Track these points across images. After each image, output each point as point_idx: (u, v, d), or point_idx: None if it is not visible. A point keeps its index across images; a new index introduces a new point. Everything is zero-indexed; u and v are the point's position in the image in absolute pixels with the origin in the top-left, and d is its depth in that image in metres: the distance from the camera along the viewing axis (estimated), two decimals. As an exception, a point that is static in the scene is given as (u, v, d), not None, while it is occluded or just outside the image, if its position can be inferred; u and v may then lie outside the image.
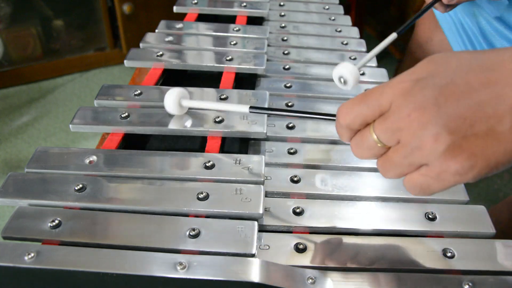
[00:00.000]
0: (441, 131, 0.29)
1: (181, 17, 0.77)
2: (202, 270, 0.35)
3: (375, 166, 0.50)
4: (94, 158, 0.46)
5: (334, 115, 0.38)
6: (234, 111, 0.52)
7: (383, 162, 0.34)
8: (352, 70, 0.48)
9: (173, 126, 0.51)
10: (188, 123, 0.51)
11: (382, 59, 1.78)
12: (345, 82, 0.49)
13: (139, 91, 0.56)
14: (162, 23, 0.73)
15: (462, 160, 0.29)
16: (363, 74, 0.65)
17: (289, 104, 0.57)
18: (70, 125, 0.51)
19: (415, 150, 0.31)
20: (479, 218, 0.44)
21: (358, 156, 0.35)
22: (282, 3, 0.85)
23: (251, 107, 0.45)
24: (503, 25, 0.71)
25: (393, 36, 0.56)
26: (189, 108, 0.52)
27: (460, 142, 0.29)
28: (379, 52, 0.55)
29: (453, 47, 0.79)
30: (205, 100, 0.55)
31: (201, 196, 0.42)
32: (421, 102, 0.30)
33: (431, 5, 0.61)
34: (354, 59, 0.69)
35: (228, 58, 0.64)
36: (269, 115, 0.55)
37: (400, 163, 0.32)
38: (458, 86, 0.30)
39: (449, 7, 0.64)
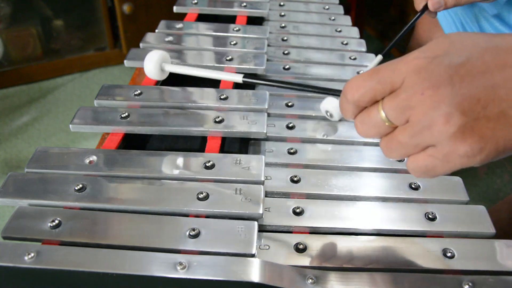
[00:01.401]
0: (454, 111, 0.28)
1: (181, 17, 0.77)
2: (202, 270, 0.35)
3: (375, 166, 0.50)
4: (94, 158, 0.46)
5: (338, 91, 0.37)
6: (227, 79, 0.49)
7: (388, 141, 0.33)
8: (336, 105, 0.52)
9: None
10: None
11: (382, 59, 1.78)
12: (331, 116, 0.54)
13: (139, 91, 0.56)
14: (162, 23, 0.73)
15: (471, 142, 0.29)
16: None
17: (289, 104, 0.57)
18: (70, 125, 0.51)
19: (424, 129, 0.30)
20: (479, 218, 0.44)
21: (362, 134, 0.34)
22: (282, 3, 0.85)
23: (244, 76, 0.42)
24: (503, 24, 0.71)
25: (378, 58, 0.61)
26: (171, 73, 0.51)
27: (471, 124, 0.28)
28: None
29: None
30: (191, 67, 0.50)
31: (201, 196, 0.42)
32: (435, 80, 0.29)
33: (416, 18, 0.62)
34: (354, 59, 0.69)
35: (228, 58, 0.64)
36: (269, 114, 0.56)
37: (407, 143, 0.31)
38: (473, 66, 0.29)
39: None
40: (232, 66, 0.63)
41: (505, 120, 0.29)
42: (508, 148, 0.29)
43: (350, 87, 0.33)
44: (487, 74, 0.29)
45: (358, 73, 0.66)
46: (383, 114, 0.31)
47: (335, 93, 0.38)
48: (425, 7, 0.62)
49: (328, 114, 0.53)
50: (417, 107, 0.29)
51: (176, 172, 0.45)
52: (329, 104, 0.53)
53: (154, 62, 0.44)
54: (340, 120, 0.55)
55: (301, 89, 0.42)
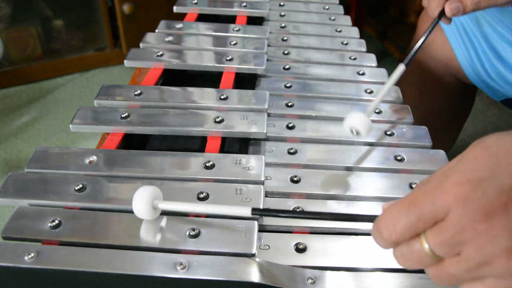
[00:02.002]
0: None
1: (181, 17, 0.77)
2: (202, 270, 0.35)
3: (375, 166, 0.50)
4: (94, 158, 0.46)
5: (369, 218, 0.32)
6: (230, 215, 0.41)
7: (438, 272, 0.29)
8: (363, 121, 0.47)
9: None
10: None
11: (382, 59, 1.78)
12: (357, 133, 0.48)
13: (139, 91, 0.56)
14: (162, 23, 0.73)
15: None
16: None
17: (289, 104, 0.57)
18: (70, 125, 0.51)
19: (481, 265, 0.26)
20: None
21: (403, 266, 0.30)
22: (282, 3, 0.85)
23: (253, 210, 0.37)
24: (505, 28, 0.70)
25: (401, 68, 0.54)
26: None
27: None
28: (388, 89, 0.53)
29: (454, 49, 0.79)
30: (184, 202, 0.42)
31: (201, 196, 0.42)
32: (487, 210, 0.26)
33: (435, 24, 0.58)
34: (354, 59, 0.69)
35: (228, 58, 0.64)
36: (269, 114, 0.56)
37: (461, 276, 0.28)
38: None
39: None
40: (232, 66, 0.63)
41: None
42: None
43: (385, 223, 0.29)
44: None
45: (358, 73, 0.66)
46: (427, 248, 0.28)
47: (364, 220, 0.33)
48: (442, 13, 0.57)
49: (354, 132, 0.48)
50: (469, 242, 0.26)
51: (176, 172, 0.45)
52: (355, 121, 0.48)
53: (146, 200, 0.38)
54: None
55: (319, 218, 0.39)
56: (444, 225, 0.27)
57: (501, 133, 0.28)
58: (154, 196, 0.38)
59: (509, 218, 0.25)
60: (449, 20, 0.59)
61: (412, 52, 0.55)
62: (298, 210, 0.44)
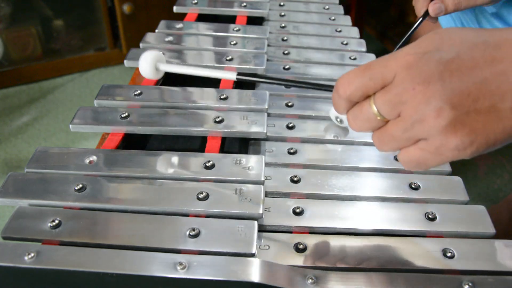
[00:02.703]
0: (444, 106, 0.29)
1: (181, 17, 0.77)
2: (202, 270, 0.35)
3: (375, 166, 0.50)
4: (94, 158, 0.46)
5: (331, 86, 0.38)
6: (221, 77, 0.49)
7: (380, 135, 0.34)
8: None
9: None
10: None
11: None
12: (341, 122, 0.52)
13: (139, 91, 0.56)
14: (162, 23, 0.73)
15: (462, 135, 0.29)
16: None
17: (289, 104, 0.57)
18: (70, 125, 0.51)
19: (415, 124, 0.30)
20: (479, 218, 0.44)
21: (355, 128, 0.35)
22: (282, 3, 0.85)
23: (238, 74, 0.43)
24: (503, 23, 0.71)
25: None
26: (166, 72, 0.51)
27: (462, 117, 0.29)
28: None
29: None
30: (185, 65, 0.51)
31: (201, 196, 0.42)
32: (425, 76, 0.30)
33: (418, 24, 0.63)
34: (354, 59, 0.69)
35: (228, 58, 0.64)
36: (269, 114, 0.56)
37: (399, 136, 0.32)
38: (463, 61, 0.30)
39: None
40: (232, 66, 0.63)
41: (495, 114, 0.29)
42: (499, 141, 0.30)
43: (341, 83, 0.33)
44: (476, 69, 0.30)
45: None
46: (375, 108, 0.32)
47: (328, 88, 0.39)
48: (426, 13, 0.63)
49: (338, 120, 0.52)
50: (408, 102, 0.30)
51: (176, 172, 0.45)
52: None
53: (149, 62, 0.45)
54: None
55: (296, 86, 0.42)
56: (389, 86, 0.31)
57: (451, 28, 0.33)
58: (156, 59, 0.45)
59: (443, 84, 0.29)
60: (435, 19, 0.64)
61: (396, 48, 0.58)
62: (297, 210, 0.44)
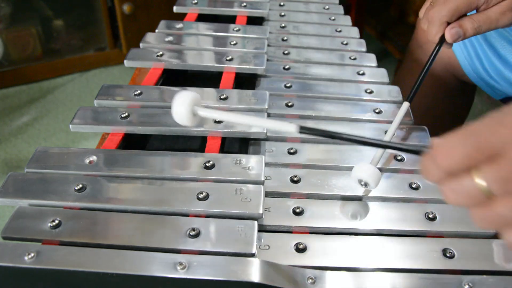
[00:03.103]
0: None
1: (181, 17, 0.77)
2: (202, 270, 0.35)
3: (375, 166, 0.50)
4: (94, 158, 0.46)
5: (416, 148, 0.32)
6: (277, 129, 0.39)
7: (484, 213, 0.29)
8: (373, 172, 0.45)
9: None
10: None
11: (382, 59, 1.78)
12: (365, 185, 0.46)
13: (139, 91, 0.56)
14: (162, 23, 0.73)
15: None
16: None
17: (289, 104, 0.57)
18: (70, 125, 0.51)
19: None
20: (479, 218, 0.44)
21: (451, 202, 0.30)
22: (282, 3, 0.85)
23: (301, 128, 0.35)
24: (509, 32, 0.70)
25: (405, 106, 0.53)
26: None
27: None
28: (395, 130, 0.52)
29: (453, 47, 0.79)
30: (227, 112, 0.42)
31: (201, 196, 0.42)
32: None
33: (436, 52, 0.56)
34: (354, 59, 0.69)
35: (228, 58, 0.64)
36: (269, 114, 0.55)
37: (508, 216, 0.27)
38: None
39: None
40: (232, 66, 0.63)
41: None
42: None
43: (441, 151, 0.28)
44: None
45: (358, 73, 0.66)
46: (482, 184, 0.27)
47: (412, 152, 0.32)
48: (442, 38, 0.55)
49: (363, 183, 0.46)
50: None
51: (176, 172, 0.45)
52: (364, 172, 0.45)
53: (186, 106, 0.37)
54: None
55: (363, 143, 0.37)
56: (502, 159, 0.26)
57: None
58: (194, 102, 0.37)
59: None
60: (450, 45, 0.57)
61: (414, 88, 0.54)
62: (297, 210, 0.44)
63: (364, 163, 0.46)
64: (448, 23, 0.54)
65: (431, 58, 0.55)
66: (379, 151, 0.49)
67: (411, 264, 0.40)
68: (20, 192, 0.42)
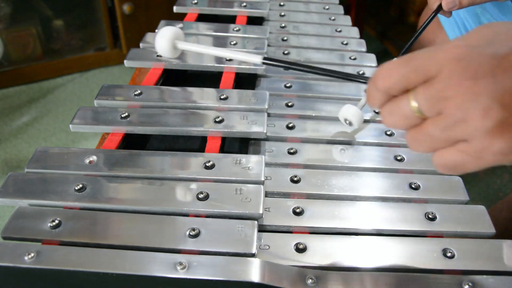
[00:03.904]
0: (494, 105, 0.26)
1: (181, 17, 0.77)
2: (202, 270, 0.35)
3: (375, 166, 0.50)
4: (94, 158, 0.46)
5: (365, 78, 0.35)
6: (244, 60, 0.45)
7: (415, 134, 0.30)
8: (356, 112, 0.51)
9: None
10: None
11: (382, 59, 1.78)
12: (350, 124, 0.52)
13: (139, 91, 0.56)
14: (162, 23, 0.73)
15: (508, 138, 0.27)
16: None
17: (289, 104, 0.57)
18: (70, 125, 0.51)
19: (458, 123, 0.28)
20: (479, 218, 0.44)
21: (389, 124, 0.32)
22: (282, 3, 0.85)
23: (264, 58, 0.39)
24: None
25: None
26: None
27: (510, 119, 0.26)
28: None
29: (448, 35, 0.79)
30: (205, 46, 0.49)
31: (201, 196, 0.42)
32: (476, 71, 0.27)
33: (433, 16, 0.61)
34: (354, 59, 0.69)
35: (228, 58, 0.64)
36: (269, 114, 0.56)
37: (437, 136, 0.29)
38: None
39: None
40: (232, 66, 0.63)
41: None
42: None
43: (381, 73, 0.30)
44: None
45: (358, 73, 0.66)
46: (414, 104, 0.29)
47: (361, 80, 0.36)
48: (439, 7, 0.61)
49: (347, 122, 0.52)
50: (453, 98, 0.27)
51: (176, 172, 0.45)
52: (349, 112, 0.52)
53: (167, 39, 0.41)
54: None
55: (324, 74, 0.40)
56: (433, 80, 0.28)
57: (506, 22, 0.30)
58: (175, 36, 0.41)
59: (495, 81, 0.27)
60: (449, 13, 0.62)
61: (408, 44, 0.58)
62: (297, 210, 0.44)
63: (350, 105, 0.52)
64: None
65: (426, 23, 0.61)
66: (364, 98, 0.54)
67: (411, 264, 0.40)
68: (20, 192, 0.42)
